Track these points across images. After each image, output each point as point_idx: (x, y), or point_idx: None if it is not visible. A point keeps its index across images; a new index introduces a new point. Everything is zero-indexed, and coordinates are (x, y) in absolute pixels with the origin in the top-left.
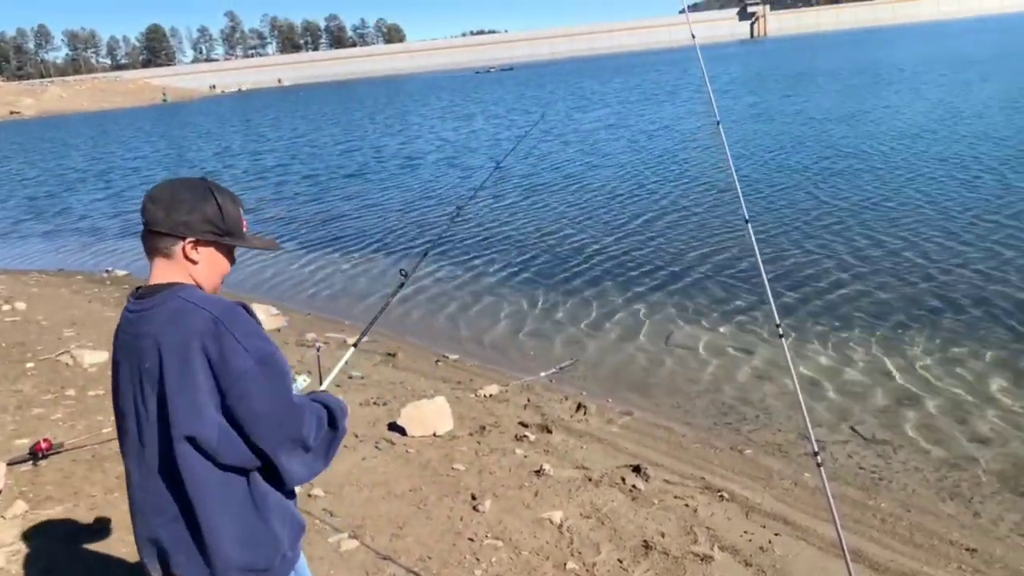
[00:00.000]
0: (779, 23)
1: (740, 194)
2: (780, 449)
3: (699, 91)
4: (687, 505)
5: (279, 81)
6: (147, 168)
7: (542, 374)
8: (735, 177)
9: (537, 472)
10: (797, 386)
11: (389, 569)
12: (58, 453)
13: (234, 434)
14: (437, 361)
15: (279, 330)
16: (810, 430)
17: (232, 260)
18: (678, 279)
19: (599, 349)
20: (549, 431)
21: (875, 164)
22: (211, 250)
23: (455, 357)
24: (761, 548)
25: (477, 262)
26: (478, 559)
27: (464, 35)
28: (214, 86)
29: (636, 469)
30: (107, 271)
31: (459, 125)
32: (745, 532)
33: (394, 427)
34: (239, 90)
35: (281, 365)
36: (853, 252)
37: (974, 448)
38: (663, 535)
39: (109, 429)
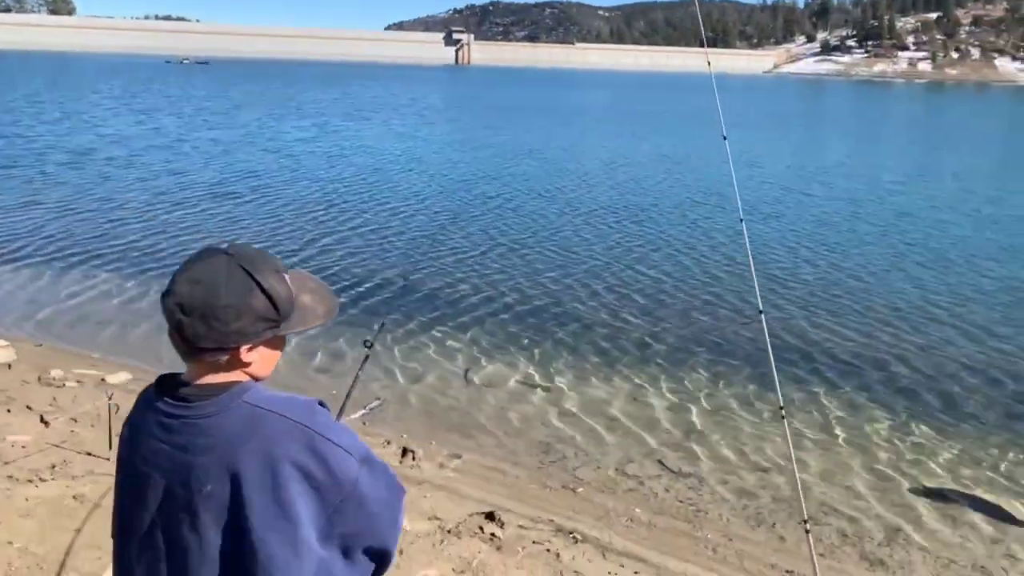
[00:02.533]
0: (482, 53)
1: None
2: (606, 486)
3: (398, 110)
4: (548, 550)
5: None
6: None
7: (352, 416)
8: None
9: None
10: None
11: None
12: None
13: (336, 561)
14: None
15: (9, 365)
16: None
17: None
18: (465, 308)
19: (400, 388)
20: None
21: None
22: (266, 346)
23: None
24: None
25: None
26: None
27: (147, 18)
28: None
29: (490, 516)
30: None
31: (142, 118)
32: (609, 573)
33: None
34: None
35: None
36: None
37: (760, 476)
38: None
39: None
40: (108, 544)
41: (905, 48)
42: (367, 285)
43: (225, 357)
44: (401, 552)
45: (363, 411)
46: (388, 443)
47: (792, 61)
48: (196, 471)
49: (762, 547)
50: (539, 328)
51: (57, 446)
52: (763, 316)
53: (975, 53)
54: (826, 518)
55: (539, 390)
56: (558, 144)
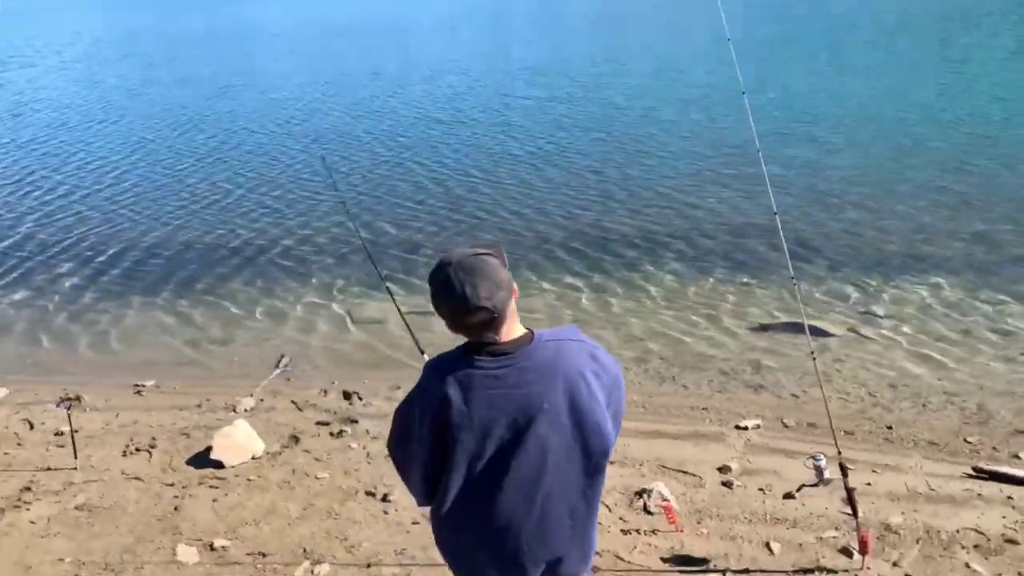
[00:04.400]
0: None
1: None
2: None
3: None
4: None
5: None
6: None
7: (273, 374)
8: None
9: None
10: None
11: (387, 571)
12: None
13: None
14: (137, 392)
15: None
16: None
17: None
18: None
19: (295, 341)
20: (355, 421)
21: None
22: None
23: (152, 383)
24: None
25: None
26: None
27: None
28: None
29: None
30: None
31: None
32: None
33: (203, 463)
34: None
35: None
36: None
37: (641, 345)
38: None
39: None
40: (149, 535)
41: None
42: (148, 252)
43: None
44: None
45: (278, 370)
46: (325, 392)
47: None
48: (531, 398)
49: (673, 396)
50: (395, 263)
51: (7, 470)
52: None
53: None
54: (704, 364)
55: (423, 316)
56: (269, 71)
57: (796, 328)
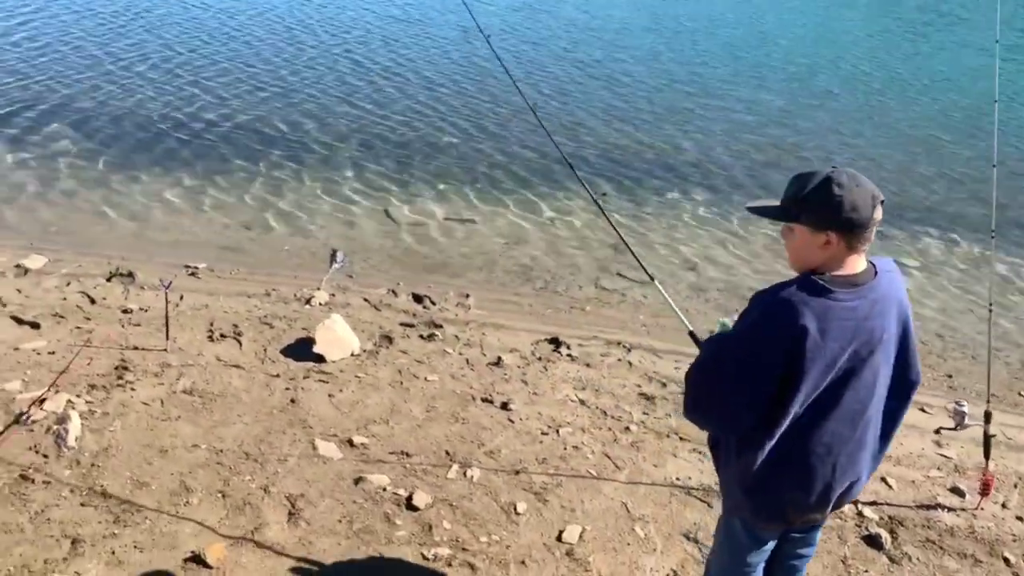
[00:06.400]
0: None
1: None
2: (602, 301)
3: None
4: (619, 360)
5: None
6: None
7: (332, 268)
8: None
9: (495, 364)
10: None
11: (536, 479)
12: None
13: None
14: (192, 274)
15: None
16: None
17: None
18: (343, 152)
19: (344, 236)
20: (439, 326)
21: None
22: None
23: (203, 265)
24: None
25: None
26: (577, 448)
27: None
28: None
29: (554, 341)
30: None
31: None
32: (675, 367)
33: (301, 355)
34: None
35: None
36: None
37: (688, 269)
38: (639, 385)
39: None
40: (278, 427)
41: None
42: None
43: None
44: (526, 383)
45: (337, 265)
46: (394, 293)
47: None
48: (875, 329)
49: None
50: (435, 164)
51: (89, 346)
52: None
53: None
54: None
55: (464, 224)
56: None
57: None
